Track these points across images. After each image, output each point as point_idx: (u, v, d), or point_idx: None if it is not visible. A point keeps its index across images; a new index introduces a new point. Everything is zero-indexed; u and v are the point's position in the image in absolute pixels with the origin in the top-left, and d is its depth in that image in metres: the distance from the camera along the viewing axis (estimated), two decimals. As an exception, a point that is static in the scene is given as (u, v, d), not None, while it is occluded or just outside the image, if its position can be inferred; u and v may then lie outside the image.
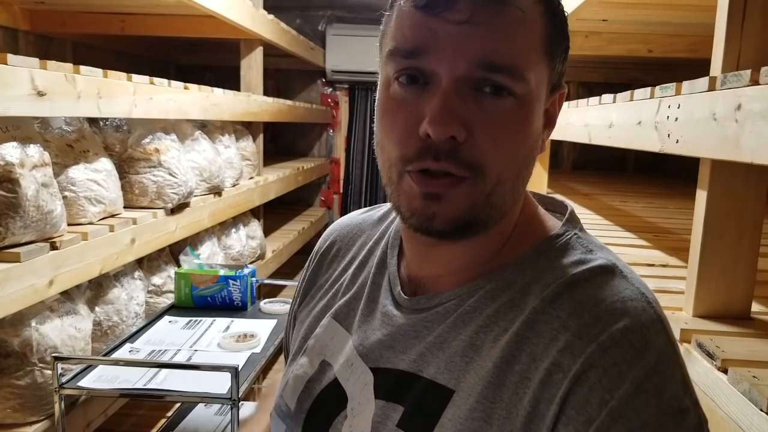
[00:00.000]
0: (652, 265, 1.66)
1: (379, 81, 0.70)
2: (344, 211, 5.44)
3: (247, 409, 2.45)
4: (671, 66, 4.43)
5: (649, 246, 1.93)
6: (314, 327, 0.82)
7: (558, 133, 2.30)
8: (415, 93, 0.64)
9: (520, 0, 0.63)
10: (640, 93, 1.41)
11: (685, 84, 1.17)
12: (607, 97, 1.69)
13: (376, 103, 0.70)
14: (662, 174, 5.10)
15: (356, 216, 0.92)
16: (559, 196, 0.80)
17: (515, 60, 0.62)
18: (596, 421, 0.56)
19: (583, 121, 1.91)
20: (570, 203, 0.77)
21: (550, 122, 0.72)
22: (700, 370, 1.04)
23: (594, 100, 1.83)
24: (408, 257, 0.77)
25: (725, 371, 0.99)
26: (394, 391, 0.69)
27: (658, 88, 1.29)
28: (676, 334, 1.13)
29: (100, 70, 1.75)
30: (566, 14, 0.70)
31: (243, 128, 3.36)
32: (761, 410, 0.87)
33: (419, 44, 0.63)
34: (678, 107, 1.17)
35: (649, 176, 4.87)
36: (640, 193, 3.52)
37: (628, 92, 1.49)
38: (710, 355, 1.04)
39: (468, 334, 0.66)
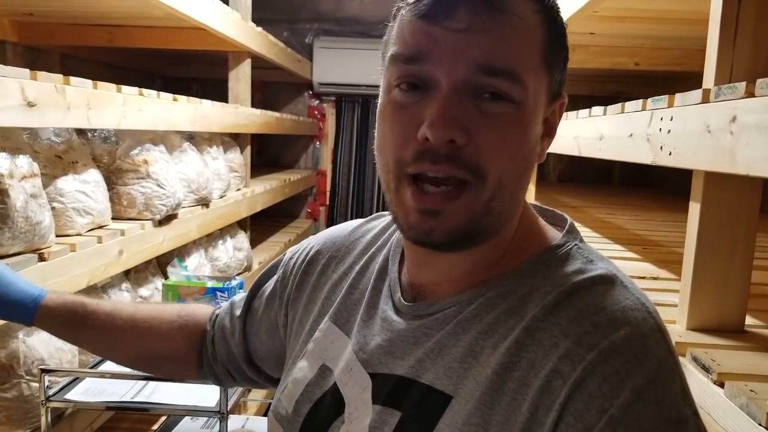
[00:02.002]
0: (644, 278, 1.67)
1: (381, 87, 0.72)
2: (330, 222, 5.42)
3: (235, 422, 2.43)
4: (656, 79, 4.47)
5: (639, 258, 1.94)
6: (314, 331, 0.82)
7: (547, 146, 2.31)
8: (415, 98, 0.66)
9: (518, 8, 0.64)
10: (632, 105, 1.42)
11: (678, 96, 1.18)
12: (597, 110, 1.70)
13: (377, 109, 0.72)
14: (647, 187, 5.14)
15: (354, 222, 0.93)
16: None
17: (513, 64, 0.64)
18: (595, 429, 0.57)
19: (573, 133, 1.92)
20: (569, 217, 0.77)
21: (550, 131, 0.73)
22: (695, 384, 1.04)
23: (584, 112, 1.84)
24: (408, 264, 0.77)
25: (722, 385, 0.99)
26: (392, 397, 0.69)
27: (650, 100, 1.30)
28: (671, 346, 1.14)
29: (90, 82, 1.74)
30: (565, 25, 0.71)
31: (231, 140, 3.35)
32: (760, 424, 0.87)
33: (419, 50, 0.65)
34: (671, 119, 1.18)
35: (635, 189, 4.91)
36: (627, 205, 3.55)
37: (619, 104, 1.50)
38: (706, 369, 1.04)
39: (467, 340, 0.67)
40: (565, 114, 2.13)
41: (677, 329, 1.23)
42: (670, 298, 1.42)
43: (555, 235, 0.73)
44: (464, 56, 0.63)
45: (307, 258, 0.90)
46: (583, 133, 1.81)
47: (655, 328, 0.62)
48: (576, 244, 0.71)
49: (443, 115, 0.62)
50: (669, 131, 1.18)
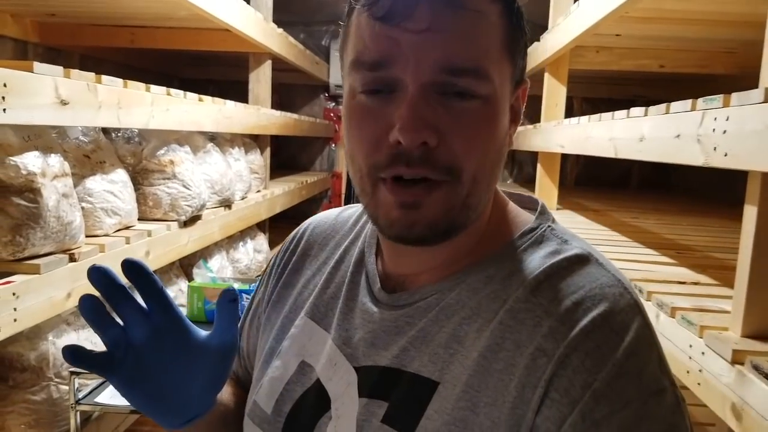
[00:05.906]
0: (684, 283, 1.63)
1: (344, 90, 0.71)
2: (346, 225, 5.41)
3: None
4: (674, 82, 4.43)
5: (675, 263, 1.90)
6: (287, 328, 0.80)
7: (577, 148, 2.28)
8: (381, 101, 0.65)
9: (477, 2, 0.64)
10: (678, 105, 1.38)
11: (734, 96, 1.14)
12: (636, 110, 1.67)
13: (342, 113, 0.71)
14: (666, 190, 5.10)
15: (329, 215, 0.91)
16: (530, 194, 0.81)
17: (478, 61, 0.64)
18: (580, 403, 0.59)
19: (609, 134, 1.89)
20: (541, 199, 0.78)
21: (515, 117, 0.73)
22: (758, 393, 1.01)
23: (621, 113, 1.81)
24: (386, 255, 0.77)
25: (788, 393, 0.96)
26: (378, 388, 0.69)
27: (701, 100, 1.27)
28: (728, 355, 1.10)
29: (120, 80, 1.73)
30: (522, 10, 0.70)
31: (251, 141, 3.33)
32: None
33: (382, 55, 0.64)
34: (726, 119, 1.14)
35: (653, 192, 4.86)
36: (649, 209, 3.50)
37: (663, 105, 1.47)
38: (769, 376, 1.01)
39: (451, 326, 0.67)
40: (599, 115, 2.11)
41: (731, 336, 1.19)
42: (716, 304, 1.38)
43: (527, 218, 0.75)
44: (428, 58, 0.62)
45: (280, 265, 0.88)
46: (621, 134, 1.78)
47: (632, 303, 0.64)
48: (549, 226, 0.73)
49: (413, 117, 0.62)
50: (724, 131, 1.15)
